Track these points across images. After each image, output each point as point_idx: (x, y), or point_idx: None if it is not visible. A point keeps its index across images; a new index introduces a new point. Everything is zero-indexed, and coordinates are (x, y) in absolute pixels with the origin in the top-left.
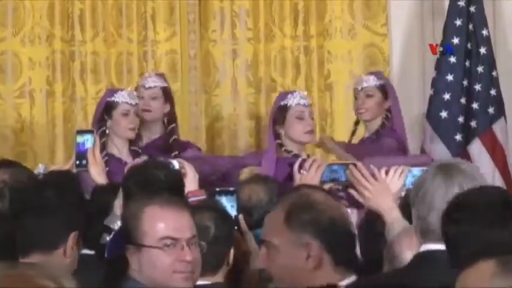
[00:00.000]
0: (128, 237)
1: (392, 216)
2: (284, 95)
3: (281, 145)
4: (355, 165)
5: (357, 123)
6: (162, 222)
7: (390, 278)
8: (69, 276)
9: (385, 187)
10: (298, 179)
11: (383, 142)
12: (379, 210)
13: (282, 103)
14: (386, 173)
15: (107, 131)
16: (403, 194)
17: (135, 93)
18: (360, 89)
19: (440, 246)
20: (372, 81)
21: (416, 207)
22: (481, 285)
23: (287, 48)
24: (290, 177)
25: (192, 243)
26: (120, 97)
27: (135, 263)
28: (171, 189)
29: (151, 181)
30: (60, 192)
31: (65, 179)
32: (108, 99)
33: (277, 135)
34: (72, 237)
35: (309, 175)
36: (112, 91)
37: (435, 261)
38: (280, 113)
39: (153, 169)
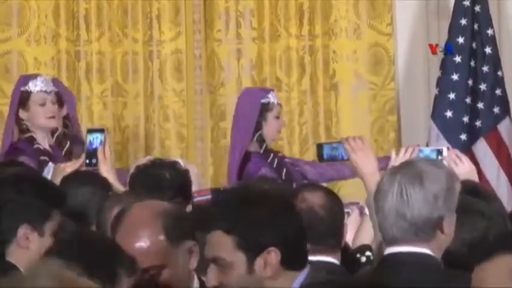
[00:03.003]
0: None
1: (374, 181)
2: None
3: None
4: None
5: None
6: None
7: (359, 279)
8: None
9: (367, 150)
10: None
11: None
12: (361, 174)
13: None
14: (397, 153)
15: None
16: None
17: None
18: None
19: (397, 249)
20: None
21: (374, 204)
22: (499, 279)
23: (292, 47)
24: None
25: None
26: (271, 98)
27: None
28: (177, 188)
29: (157, 181)
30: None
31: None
32: (263, 100)
33: None
34: (23, 229)
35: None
36: (266, 91)
37: (396, 265)
38: None
39: (159, 168)
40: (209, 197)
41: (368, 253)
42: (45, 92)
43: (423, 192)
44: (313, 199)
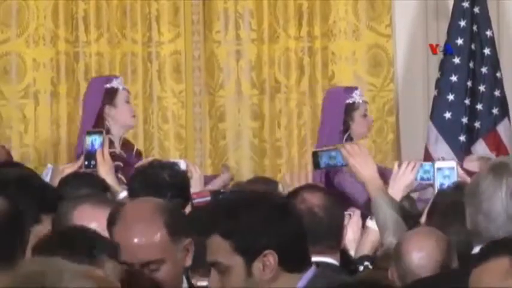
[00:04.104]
0: None
1: (375, 186)
2: None
3: None
4: None
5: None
6: (95, 222)
7: (439, 280)
8: None
9: (365, 154)
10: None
11: None
12: (361, 179)
13: None
14: (399, 166)
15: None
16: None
17: None
18: None
19: None
20: None
21: (468, 207)
22: (494, 283)
23: (291, 49)
24: None
25: None
26: (359, 97)
27: None
28: (176, 189)
29: (156, 181)
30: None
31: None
32: (348, 101)
33: None
34: None
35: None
36: (350, 91)
37: None
38: None
39: (158, 169)
40: (208, 198)
41: (366, 263)
42: (128, 91)
43: None
44: (313, 200)
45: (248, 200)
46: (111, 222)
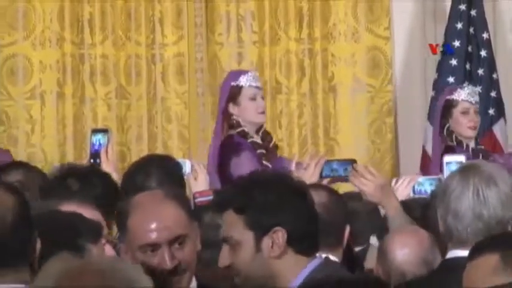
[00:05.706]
0: None
1: (394, 207)
2: None
3: None
4: (354, 161)
5: None
6: None
7: (415, 285)
8: None
9: (382, 182)
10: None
11: None
12: (380, 204)
13: None
14: (396, 181)
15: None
16: None
17: None
18: None
19: (465, 253)
20: None
21: (438, 209)
22: (482, 279)
23: (292, 51)
24: None
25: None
26: (461, 95)
27: None
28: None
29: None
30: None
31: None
32: (448, 97)
33: None
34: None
35: (307, 172)
36: (451, 90)
37: (459, 268)
38: None
39: (145, 169)
40: (211, 197)
41: None
42: (256, 87)
43: (498, 193)
44: (315, 198)
45: (265, 179)
46: (123, 217)
